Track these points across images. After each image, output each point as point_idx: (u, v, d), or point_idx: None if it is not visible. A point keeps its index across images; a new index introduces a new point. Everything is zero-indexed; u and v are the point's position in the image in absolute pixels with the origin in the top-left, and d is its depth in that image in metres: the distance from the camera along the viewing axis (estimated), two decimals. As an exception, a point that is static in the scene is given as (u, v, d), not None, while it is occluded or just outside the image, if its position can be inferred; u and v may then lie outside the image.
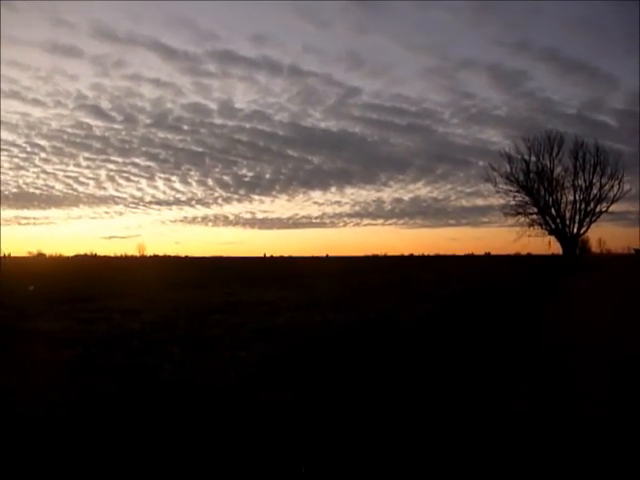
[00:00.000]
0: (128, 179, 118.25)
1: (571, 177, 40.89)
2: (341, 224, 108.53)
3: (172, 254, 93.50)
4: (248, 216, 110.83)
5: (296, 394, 4.38)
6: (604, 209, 40.97)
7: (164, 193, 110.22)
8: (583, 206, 40.90)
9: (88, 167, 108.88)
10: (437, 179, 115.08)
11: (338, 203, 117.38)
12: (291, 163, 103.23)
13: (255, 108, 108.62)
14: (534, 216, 41.30)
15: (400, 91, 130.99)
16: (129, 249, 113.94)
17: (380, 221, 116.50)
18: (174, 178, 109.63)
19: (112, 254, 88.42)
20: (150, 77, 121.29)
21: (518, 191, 41.33)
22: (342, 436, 3.45)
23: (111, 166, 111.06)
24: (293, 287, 17.78)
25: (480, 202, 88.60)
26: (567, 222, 41.10)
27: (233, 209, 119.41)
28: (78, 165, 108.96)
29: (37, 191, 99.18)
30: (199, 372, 5.16)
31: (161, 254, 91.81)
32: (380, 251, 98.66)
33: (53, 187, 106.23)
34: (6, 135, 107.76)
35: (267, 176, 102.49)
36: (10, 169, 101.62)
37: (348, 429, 3.57)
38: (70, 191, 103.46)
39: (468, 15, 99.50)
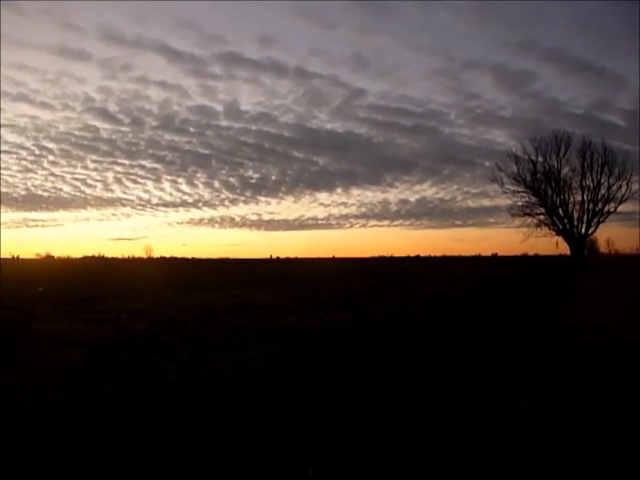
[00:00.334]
0: (135, 181, 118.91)
1: (579, 177, 40.68)
2: (347, 225, 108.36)
3: (179, 256, 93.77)
4: (254, 218, 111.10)
5: (304, 396, 4.41)
6: (612, 209, 40.71)
7: (171, 195, 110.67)
8: (591, 206, 40.67)
9: (95, 169, 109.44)
10: (443, 180, 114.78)
11: (344, 204, 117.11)
12: (297, 164, 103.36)
13: (261, 110, 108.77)
14: (541, 217, 41.13)
15: (405, 92, 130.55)
16: (136, 251, 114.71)
17: (386, 222, 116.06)
18: (181, 180, 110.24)
19: (119, 256, 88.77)
20: (156, 80, 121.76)
21: (525, 192, 41.17)
22: (349, 441, 3.48)
23: (118, 168, 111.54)
24: (300, 288, 17.82)
25: (486, 203, 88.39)
26: (575, 222, 40.88)
27: (239, 211, 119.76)
28: (86, 167, 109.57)
29: (45, 193, 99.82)
30: (207, 373, 5.20)
31: (168, 256, 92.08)
32: (386, 252, 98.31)
33: (61, 189, 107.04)
34: (14, 138, 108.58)
35: (273, 178, 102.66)
36: (18, 172, 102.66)
37: (356, 433, 3.60)
38: (78, 193, 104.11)
39: (473, 16, 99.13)
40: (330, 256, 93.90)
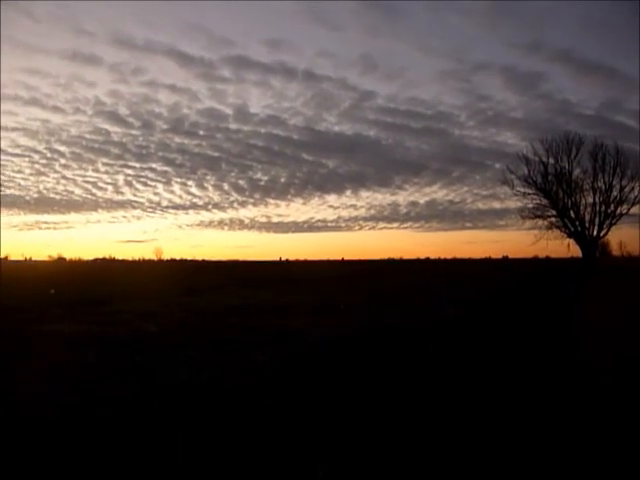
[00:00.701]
0: (145, 184, 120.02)
1: (590, 179, 40.18)
2: (356, 228, 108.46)
3: (189, 258, 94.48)
4: (263, 220, 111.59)
5: (313, 399, 4.44)
6: (624, 211, 40.15)
7: (180, 197, 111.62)
8: (603, 208, 40.16)
9: (106, 172, 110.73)
10: (453, 182, 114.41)
11: (353, 207, 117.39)
12: (306, 167, 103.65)
13: (270, 113, 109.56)
14: (553, 219, 40.69)
15: (415, 94, 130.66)
16: (146, 253, 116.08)
17: (396, 224, 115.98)
18: (190, 183, 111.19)
19: (130, 258, 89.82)
20: (166, 83, 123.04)
21: (536, 194, 40.76)
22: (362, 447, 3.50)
23: (129, 171, 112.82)
24: (308, 291, 17.86)
25: (497, 205, 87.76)
26: (587, 225, 40.41)
27: (249, 213, 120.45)
28: (97, 170, 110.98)
29: (57, 196, 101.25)
30: (216, 374, 5.25)
31: (178, 258, 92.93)
32: (396, 254, 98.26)
33: (72, 192, 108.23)
34: (27, 141, 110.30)
35: (282, 180, 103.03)
36: (31, 175, 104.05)
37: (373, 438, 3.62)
38: (89, 196, 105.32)
39: (482, 17, 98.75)
40: (339, 258, 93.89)
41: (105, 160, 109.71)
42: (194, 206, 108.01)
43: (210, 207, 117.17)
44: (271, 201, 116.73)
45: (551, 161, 40.70)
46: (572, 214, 40.70)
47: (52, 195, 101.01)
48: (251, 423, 3.78)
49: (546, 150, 40.78)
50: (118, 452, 3.27)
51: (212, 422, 3.79)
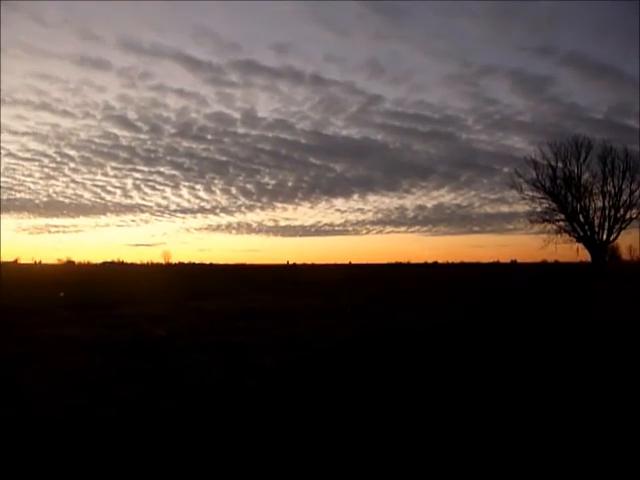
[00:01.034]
0: (154, 188, 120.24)
1: (600, 183, 39.85)
2: (364, 231, 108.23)
3: (197, 261, 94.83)
4: (271, 224, 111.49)
5: (319, 402, 4.45)
6: (634, 216, 39.76)
7: (189, 201, 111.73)
8: (612, 212, 39.80)
9: (115, 176, 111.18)
10: (461, 186, 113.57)
11: (361, 210, 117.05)
12: (313, 171, 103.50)
13: (277, 117, 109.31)
14: (561, 223, 40.41)
15: (422, 98, 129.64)
16: (155, 256, 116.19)
17: (403, 228, 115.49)
18: (198, 186, 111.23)
19: (138, 261, 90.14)
20: (175, 87, 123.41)
21: (544, 198, 40.48)
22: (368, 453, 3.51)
23: (137, 175, 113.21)
24: (316, 294, 17.87)
25: (505, 209, 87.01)
26: (596, 229, 40.07)
27: (256, 217, 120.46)
28: (105, 174, 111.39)
29: (66, 200, 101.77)
30: (222, 377, 5.27)
31: (186, 261, 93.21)
32: (403, 259, 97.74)
33: (82, 196, 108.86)
34: (37, 145, 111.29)
35: (290, 184, 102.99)
36: (40, 179, 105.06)
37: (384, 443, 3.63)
38: (98, 200, 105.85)
39: (490, 20, 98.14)
40: (347, 262, 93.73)
41: (114, 164, 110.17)
42: (202, 210, 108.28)
43: (218, 211, 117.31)
44: (278, 205, 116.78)
45: (560, 165, 40.39)
46: (581, 218, 40.39)
47: (61, 199, 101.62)
48: (254, 426, 3.79)
49: (555, 154, 40.47)
50: (119, 452, 3.30)
51: (215, 423, 3.81)
